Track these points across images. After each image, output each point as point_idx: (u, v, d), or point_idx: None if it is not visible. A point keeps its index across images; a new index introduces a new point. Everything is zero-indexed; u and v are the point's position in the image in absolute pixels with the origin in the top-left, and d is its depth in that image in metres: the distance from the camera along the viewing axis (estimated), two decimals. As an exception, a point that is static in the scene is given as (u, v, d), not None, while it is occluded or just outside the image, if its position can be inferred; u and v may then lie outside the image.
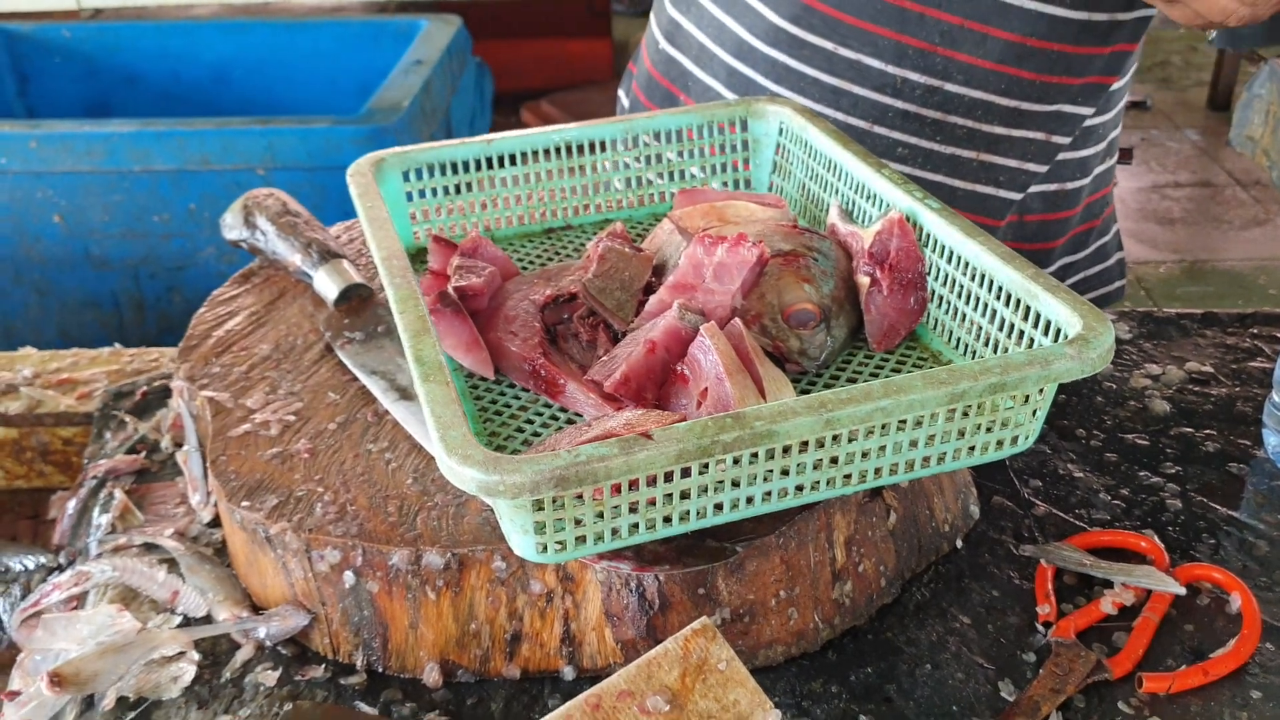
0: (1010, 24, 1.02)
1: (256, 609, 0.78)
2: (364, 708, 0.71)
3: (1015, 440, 0.71)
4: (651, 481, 0.63)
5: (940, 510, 0.80)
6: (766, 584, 0.71)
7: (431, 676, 0.73)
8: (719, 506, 0.66)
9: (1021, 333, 0.73)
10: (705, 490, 0.65)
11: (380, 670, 0.74)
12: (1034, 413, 0.70)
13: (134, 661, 0.73)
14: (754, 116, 0.99)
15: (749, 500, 0.66)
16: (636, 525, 0.65)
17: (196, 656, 0.75)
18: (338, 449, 0.78)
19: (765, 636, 0.72)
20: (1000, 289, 0.74)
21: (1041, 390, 0.69)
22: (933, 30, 1.03)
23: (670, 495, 0.64)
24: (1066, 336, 0.68)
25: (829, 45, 1.06)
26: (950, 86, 1.05)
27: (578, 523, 0.63)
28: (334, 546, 0.71)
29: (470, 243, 0.86)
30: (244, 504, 0.74)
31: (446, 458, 0.59)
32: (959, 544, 0.82)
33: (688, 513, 0.65)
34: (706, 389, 0.71)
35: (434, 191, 0.95)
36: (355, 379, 0.85)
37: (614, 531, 0.64)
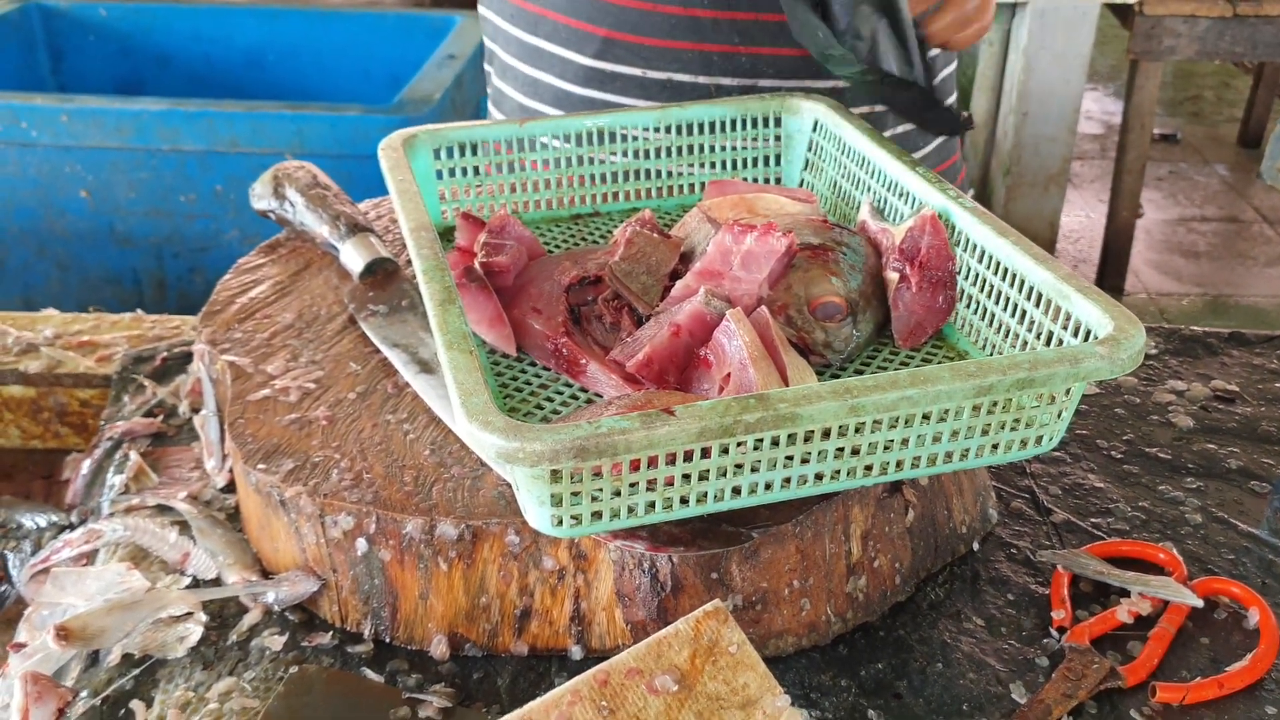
0: None
1: (266, 574, 0.78)
2: (370, 675, 0.71)
3: (1040, 440, 0.70)
4: (671, 460, 0.62)
5: (959, 511, 0.80)
6: (780, 573, 0.70)
7: (439, 649, 0.72)
8: (737, 490, 0.65)
9: (1050, 335, 0.72)
10: (724, 473, 0.64)
11: (387, 640, 0.73)
12: (1059, 413, 0.69)
13: (141, 619, 0.73)
14: (788, 112, 0.98)
15: (768, 486, 0.66)
16: (653, 504, 0.64)
17: (204, 618, 0.75)
18: (356, 418, 0.78)
19: (776, 626, 0.71)
20: (1031, 289, 0.74)
21: (1069, 390, 0.68)
22: (730, 32, 1.04)
23: (689, 476, 0.64)
24: (1096, 338, 0.67)
25: (638, 71, 1.07)
26: (764, 83, 1.06)
27: (595, 498, 0.63)
28: (348, 513, 0.71)
29: (498, 220, 0.86)
30: (260, 466, 0.74)
31: (467, 423, 0.59)
32: (975, 546, 0.81)
33: (705, 494, 0.65)
34: (729, 374, 0.71)
35: (464, 171, 0.95)
36: (377, 351, 0.85)
37: (630, 509, 0.64)
